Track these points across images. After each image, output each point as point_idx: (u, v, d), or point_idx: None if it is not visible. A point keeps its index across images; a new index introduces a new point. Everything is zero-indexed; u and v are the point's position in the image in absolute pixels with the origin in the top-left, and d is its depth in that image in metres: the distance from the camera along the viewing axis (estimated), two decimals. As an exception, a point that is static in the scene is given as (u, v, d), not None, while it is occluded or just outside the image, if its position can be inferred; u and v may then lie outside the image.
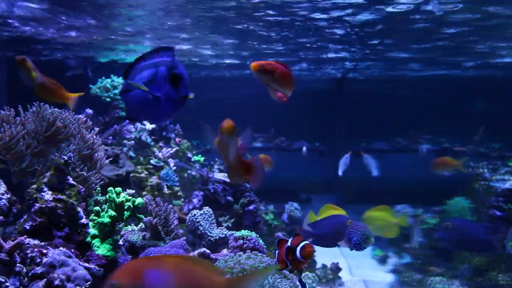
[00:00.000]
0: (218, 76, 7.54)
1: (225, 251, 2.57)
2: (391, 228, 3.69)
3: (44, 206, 2.15)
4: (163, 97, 1.64)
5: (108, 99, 4.93)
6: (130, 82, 1.63)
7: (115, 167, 3.61)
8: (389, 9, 3.56)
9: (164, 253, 2.13)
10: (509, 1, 3.45)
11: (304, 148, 5.78)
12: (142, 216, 2.40)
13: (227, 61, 6.23)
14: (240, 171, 1.65)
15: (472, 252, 4.12)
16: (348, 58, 5.83)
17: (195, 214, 3.02)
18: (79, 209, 2.25)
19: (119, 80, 5.07)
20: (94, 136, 2.80)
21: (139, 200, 2.34)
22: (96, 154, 2.77)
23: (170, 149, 4.65)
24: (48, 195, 2.19)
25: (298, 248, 1.87)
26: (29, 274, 1.81)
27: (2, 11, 3.66)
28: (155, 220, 2.48)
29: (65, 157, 2.29)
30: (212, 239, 2.90)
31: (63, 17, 3.88)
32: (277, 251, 1.95)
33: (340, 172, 5.14)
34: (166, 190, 3.95)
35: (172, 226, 2.59)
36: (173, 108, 1.71)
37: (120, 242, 2.37)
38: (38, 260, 1.88)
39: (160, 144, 4.92)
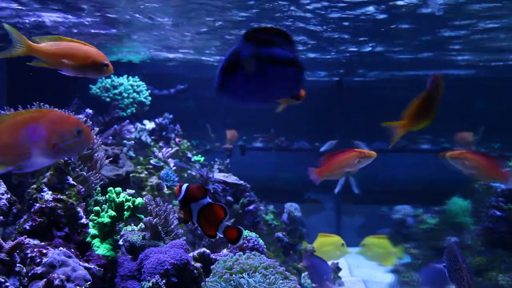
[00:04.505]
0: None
1: (225, 251, 2.57)
2: (389, 256, 3.79)
3: (44, 206, 2.15)
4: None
5: (108, 99, 4.93)
6: None
7: (115, 167, 3.61)
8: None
9: (164, 252, 2.13)
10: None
11: None
12: (142, 216, 2.40)
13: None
14: None
15: None
16: (348, 57, 5.82)
17: (195, 214, 3.01)
18: (79, 209, 2.25)
19: (119, 80, 5.06)
20: (94, 136, 2.80)
21: (139, 200, 2.34)
22: (96, 154, 2.77)
23: (170, 149, 4.65)
24: (48, 195, 2.19)
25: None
26: (29, 274, 1.81)
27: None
28: (155, 220, 2.48)
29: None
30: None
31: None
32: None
33: (335, 191, 5.35)
34: (166, 190, 3.94)
35: (172, 226, 2.59)
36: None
37: (120, 242, 2.37)
38: (38, 260, 1.88)
39: (160, 144, 4.92)
